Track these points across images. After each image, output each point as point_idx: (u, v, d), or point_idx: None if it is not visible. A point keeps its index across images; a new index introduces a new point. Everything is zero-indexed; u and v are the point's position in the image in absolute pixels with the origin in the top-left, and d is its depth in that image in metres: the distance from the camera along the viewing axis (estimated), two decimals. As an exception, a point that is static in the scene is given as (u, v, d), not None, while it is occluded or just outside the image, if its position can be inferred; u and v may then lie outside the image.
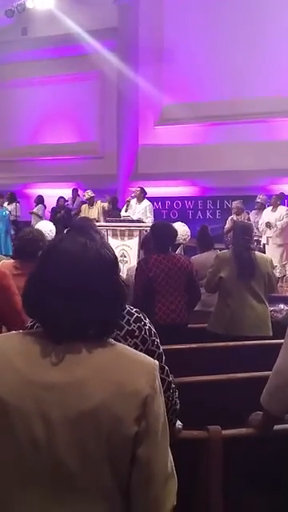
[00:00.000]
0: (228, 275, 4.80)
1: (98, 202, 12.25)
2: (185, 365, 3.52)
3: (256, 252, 5.21)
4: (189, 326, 5.22)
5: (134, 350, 1.49)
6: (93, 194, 12.26)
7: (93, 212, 11.95)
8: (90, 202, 12.19)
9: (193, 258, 5.91)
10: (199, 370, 3.52)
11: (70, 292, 1.36)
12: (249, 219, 10.84)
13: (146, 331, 2.11)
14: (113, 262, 1.43)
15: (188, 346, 4.16)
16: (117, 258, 1.47)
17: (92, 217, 10.91)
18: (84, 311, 1.36)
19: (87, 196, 12.28)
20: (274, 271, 5.36)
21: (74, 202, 14.32)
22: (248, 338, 4.54)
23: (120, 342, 1.62)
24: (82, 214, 11.78)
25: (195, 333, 4.95)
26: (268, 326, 4.76)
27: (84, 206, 12.42)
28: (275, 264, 8.24)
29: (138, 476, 1.36)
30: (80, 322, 1.37)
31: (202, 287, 5.21)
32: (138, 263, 4.97)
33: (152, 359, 1.45)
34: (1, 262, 3.98)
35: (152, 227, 5.28)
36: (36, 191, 15.62)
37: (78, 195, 14.51)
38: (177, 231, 5.09)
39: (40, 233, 4.12)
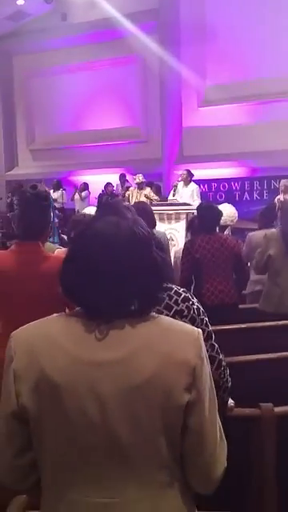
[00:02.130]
0: (276, 254, 4.75)
1: (147, 188, 12.16)
2: (235, 345, 3.53)
3: None
4: (244, 306, 5.20)
5: (178, 321, 1.50)
6: (144, 180, 12.17)
7: (141, 197, 11.87)
8: (140, 186, 12.09)
9: (250, 234, 5.87)
10: (249, 350, 3.50)
11: (106, 271, 1.36)
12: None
13: (194, 310, 2.12)
14: (146, 239, 1.43)
15: (237, 326, 4.15)
16: (151, 234, 1.46)
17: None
18: (122, 289, 1.37)
19: (138, 180, 12.18)
20: None
21: (121, 188, 14.34)
22: None
23: None
24: (131, 199, 11.71)
25: (250, 313, 4.94)
26: None
27: (132, 189, 12.32)
28: None
29: (191, 443, 1.40)
30: (119, 300, 1.38)
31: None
32: (184, 245, 4.96)
33: (196, 328, 1.46)
34: (55, 250, 4.01)
35: (197, 208, 5.26)
36: (81, 178, 15.73)
37: (127, 180, 14.50)
38: (222, 212, 5.05)
39: (90, 218, 4.14)
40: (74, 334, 1.38)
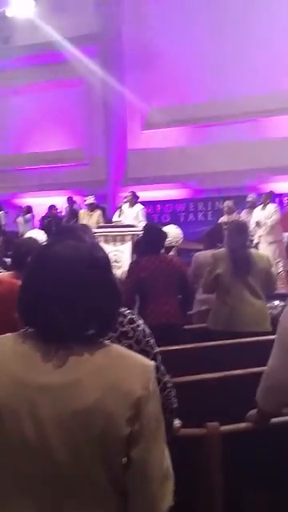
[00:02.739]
0: (224, 272, 4.82)
1: (98, 210, 12.12)
2: (182, 365, 3.54)
3: (252, 249, 5.25)
4: (191, 326, 5.23)
5: (130, 351, 1.49)
6: (94, 201, 12.11)
7: (92, 219, 11.78)
8: (91, 208, 12.03)
9: (196, 254, 5.93)
10: (197, 370, 3.53)
11: (64, 295, 1.36)
12: (240, 218, 10.86)
13: (139, 332, 2.12)
14: (105, 262, 1.43)
15: (184, 346, 4.17)
16: (108, 258, 1.47)
17: (92, 223, 10.74)
18: (80, 313, 1.36)
19: (88, 201, 12.08)
20: (273, 269, 5.36)
21: (68, 210, 14.25)
22: (247, 333, 4.56)
23: (114, 343, 1.62)
24: (82, 221, 11.64)
25: (197, 332, 4.97)
26: (267, 321, 4.76)
27: (83, 212, 12.22)
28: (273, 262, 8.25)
29: (134, 477, 1.35)
30: (76, 324, 1.37)
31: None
32: (129, 265, 4.98)
33: (148, 360, 1.45)
34: None
35: (143, 229, 5.30)
36: (25, 201, 15.61)
37: (75, 202, 14.46)
38: (166, 233, 5.10)
39: (35, 241, 4.11)
40: (24, 356, 1.36)
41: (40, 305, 1.37)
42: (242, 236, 5.06)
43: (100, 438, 1.31)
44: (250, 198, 11.66)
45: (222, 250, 5.13)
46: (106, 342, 1.43)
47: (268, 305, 5.12)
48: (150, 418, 1.36)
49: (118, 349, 1.44)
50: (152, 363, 1.43)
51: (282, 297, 5.58)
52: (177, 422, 2.45)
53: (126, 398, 1.33)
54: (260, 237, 10.71)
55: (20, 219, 14.23)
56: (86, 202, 12.27)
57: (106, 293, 1.40)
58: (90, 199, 12.04)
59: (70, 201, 14.63)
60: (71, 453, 1.31)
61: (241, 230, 5.15)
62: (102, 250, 1.46)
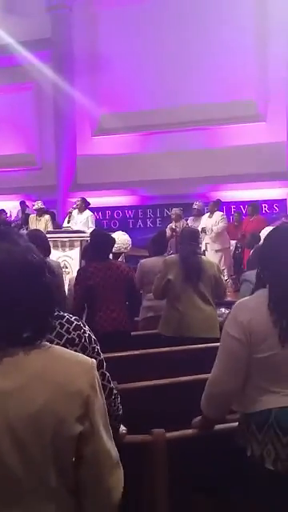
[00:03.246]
0: (175, 278, 4.87)
1: (46, 215, 12.08)
2: (129, 371, 3.55)
3: (203, 256, 5.33)
4: (138, 332, 5.25)
5: (71, 351, 1.51)
6: (42, 206, 12.07)
7: (41, 224, 11.75)
8: (39, 212, 11.99)
9: (142, 261, 5.95)
10: (144, 376, 3.53)
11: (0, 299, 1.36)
12: (187, 225, 10.98)
13: (85, 339, 2.11)
14: (39, 265, 1.43)
15: (131, 352, 4.18)
16: (44, 261, 1.47)
17: (40, 228, 10.68)
18: (15, 316, 1.36)
19: (36, 206, 12.05)
20: (222, 276, 5.45)
21: (21, 215, 14.08)
22: (197, 339, 4.60)
23: None
24: (31, 226, 11.58)
25: (145, 339, 4.99)
26: (216, 328, 4.82)
27: (32, 217, 12.17)
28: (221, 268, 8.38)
29: (86, 473, 1.40)
30: (12, 328, 1.37)
31: (151, 293, 5.25)
32: (77, 272, 4.96)
33: (89, 358, 1.47)
34: None
35: (90, 235, 5.29)
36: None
37: (27, 206, 14.30)
38: (114, 239, 5.11)
39: None
40: None
41: None
42: (193, 243, 5.13)
43: (51, 440, 1.34)
44: (196, 205, 11.80)
45: (173, 256, 5.18)
46: (47, 343, 1.44)
47: (215, 312, 5.19)
48: (98, 414, 1.40)
49: (59, 349, 1.46)
50: (94, 360, 1.46)
51: (227, 304, 5.66)
52: (122, 429, 2.45)
53: (75, 397, 1.37)
54: (207, 244, 10.85)
55: None
56: (34, 207, 12.24)
57: (39, 295, 1.41)
58: (38, 204, 12.00)
59: (23, 205, 14.47)
60: (22, 455, 1.32)
61: (193, 237, 5.22)
62: (36, 253, 1.45)
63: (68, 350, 1.49)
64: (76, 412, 1.36)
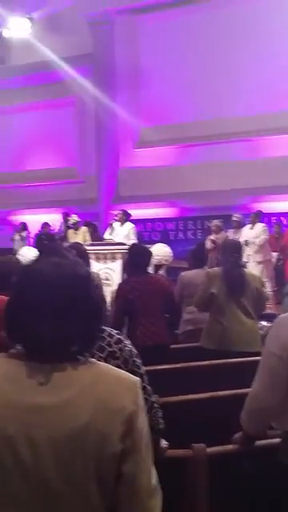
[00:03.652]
0: (219, 292, 4.83)
1: (83, 227, 12.17)
2: (170, 385, 3.55)
3: (245, 269, 5.27)
4: (178, 345, 5.24)
5: (115, 368, 1.51)
6: (78, 219, 12.16)
7: (78, 237, 11.82)
8: (75, 226, 12.09)
9: (182, 273, 5.94)
10: (184, 390, 3.53)
11: (48, 311, 1.38)
12: (227, 237, 10.90)
13: (127, 352, 2.14)
14: (87, 278, 1.46)
15: (172, 366, 4.18)
16: (90, 274, 1.50)
17: (78, 241, 10.73)
18: (64, 328, 1.38)
19: (72, 221, 12.14)
20: (263, 289, 5.40)
21: (63, 227, 14.18)
22: (239, 353, 4.57)
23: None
24: (69, 240, 11.64)
25: (186, 352, 4.97)
26: (258, 341, 4.78)
27: (70, 231, 12.30)
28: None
29: (124, 492, 1.38)
30: (61, 340, 1.39)
31: (191, 306, 5.23)
32: (118, 286, 4.99)
33: (134, 377, 1.47)
34: None
35: (128, 250, 5.30)
36: (19, 218, 15.60)
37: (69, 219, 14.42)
38: (151, 252, 5.12)
39: (17, 260, 4.09)
40: (14, 377, 1.37)
41: (23, 322, 1.39)
42: (236, 255, 5.09)
43: (94, 456, 1.33)
44: (236, 217, 11.69)
45: (216, 269, 5.13)
46: (93, 360, 1.46)
47: (256, 325, 5.15)
48: (141, 432, 1.39)
49: (103, 366, 1.47)
50: (138, 379, 1.46)
51: (269, 317, 5.60)
52: (164, 443, 2.45)
53: (118, 414, 1.36)
54: (249, 256, 10.75)
55: (16, 236, 14.17)
56: (69, 223, 12.29)
57: (88, 308, 1.42)
58: (74, 218, 12.06)
59: (66, 216, 14.50)
60: (65, 472, 1.33)
61: (235, 249, 5.17)
62: (84, 267, 1.48)
63: (113, 368, 1.50)
64: (119, 429, 1.35)
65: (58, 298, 1.38)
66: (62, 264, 1.43)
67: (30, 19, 14.50)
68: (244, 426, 2.45)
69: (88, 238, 11.55)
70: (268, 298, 10.56)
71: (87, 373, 1.39)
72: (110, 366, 1.51)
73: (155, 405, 2.28)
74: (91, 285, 1.46)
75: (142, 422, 1.41)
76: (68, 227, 12.97)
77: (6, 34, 14.71)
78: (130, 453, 1.36)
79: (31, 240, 13.87)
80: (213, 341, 4.86)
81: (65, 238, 12.60)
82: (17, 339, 1.43)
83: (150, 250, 5.29)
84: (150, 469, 1.42)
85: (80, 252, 4.95)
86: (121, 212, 11.04)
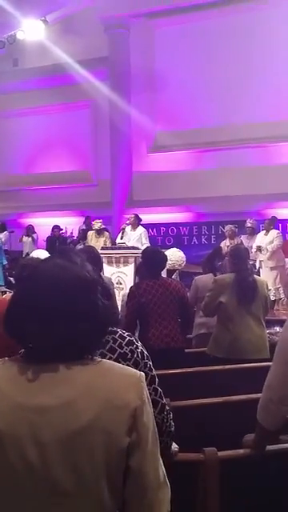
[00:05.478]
0: (228, 300, 4.77)
1: (106, 233, 12.17)
2: (181, 388, 3.53)
3: (255, 275, 5.24)
4: (191, 350, 5.22)
5: (119, 364, 1.51)
6: (103, 226, 12.19)
7: (99, 242, 11.78)
8: (99, 231, 12.09)
9: (197, 277, 5.96)
10: (196, 394, 3.51)
11: (50, 313, 1.38)
12: (241, 243, 10.87)
13: (138, 354, 2.12)
14: (91, 283, 1.45)
15: (184, 370, 4.16)
16: (96, 280, 1.48)
17: (99, 246, 10.71)
18: (65, 331, 1.38)
19: (97, 226, 12.14)
20: (269, 294, 5.37)
21: (83, 230, 14.15)
22: (246, 361, 4.52)
23: None
24: (89, 243, 11.65)
25: (198, 356, 4.95)
26: (266, 349, 4.74)
27: (91, 233, 12.28)
28: (269, 287, 8.27)
29: (132, 486, 1.38)
30: (62, 342, 1.38)
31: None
32: (129, 289, 4.97)
33: (137, 371, 1.47)
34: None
35: (142, 253, 5.29)
36: (30, 220, 15.67)
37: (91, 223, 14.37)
38: (166, 256, 5.10)
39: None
40: (17, 379, 1.38)
41: (25, 322, 1.39)
42: (246, 262, 5.05)
43: (101, 453, 1.33)
44: (250, 223, 11.68)
45: (226, 276, 5.07)
46: (96, 357, 1.45)
47: (269, 331, 5.10)
48: (146, 426, 1.39)
49: (107, 363, 1.46)
50: (142, 374, 1.45)
51: (283, 323, 5.56)
52: (174, 447, 2.43)
53: (123, 410, 1.36)
54: (261, 262, 10.72)
55: (26, 239, 14.25)
56: (93, 228, 12.30)
57: (90, 312, 1.42)
58: (98, 224, 12.06)
59: (88, 220, 14.38)
60: (74, 471, 1.32)
61: (244, 256, 5.12)
62: (90, 271, 1.47)
63: (117, 364, 1.49)
64: (124, 425, 1.35)
65: (58, 301, 1.38)
66: (66, 266, 1.43)
67: (44, 22, 14.60)
68: (259, 420, 2.42)
69: (108, 243, 11.57)
70: (279, 304, 10.57)
71: (90, 371, 1.39)
72: (113, 362, 1.50)
73: (166, 407, 2.26)
74: (94, 289, 1.45)
75: (148, 416, 1.40)
76: (84, 230, 12.98)
77: (20, 36, 14.80)
78: (136, 447, 1.36)
79: (41, 243, 13.90)
80: (221, 349, 4.81)
81: (78, 241, 12.60)
82: (16, 338, 1.43)
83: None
84: (157, 463, 1.42)
85: (92, 256, 4.94)
86: (133, 216, 11.06)
